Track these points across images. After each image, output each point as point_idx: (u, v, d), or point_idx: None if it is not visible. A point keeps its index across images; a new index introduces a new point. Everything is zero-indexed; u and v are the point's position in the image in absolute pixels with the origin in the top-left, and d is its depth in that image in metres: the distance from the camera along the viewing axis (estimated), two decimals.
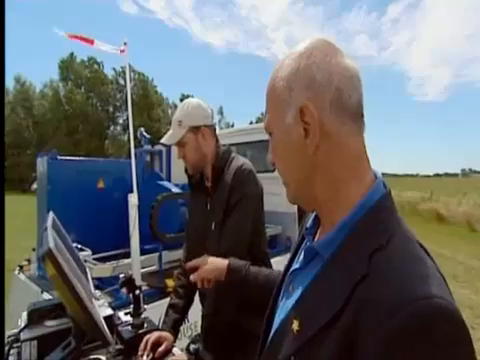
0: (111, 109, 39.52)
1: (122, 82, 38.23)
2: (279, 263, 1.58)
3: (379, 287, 0.37)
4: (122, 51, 2.51)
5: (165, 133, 1.31)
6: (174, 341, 1.22)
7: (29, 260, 2.72)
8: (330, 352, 0.39)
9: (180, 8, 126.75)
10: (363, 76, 0.48)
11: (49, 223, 0.97)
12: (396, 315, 0.34)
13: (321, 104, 0.45)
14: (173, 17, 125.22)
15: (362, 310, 0.37)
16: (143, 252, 2.30)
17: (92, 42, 2.49)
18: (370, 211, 0.45)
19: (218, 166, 1.28)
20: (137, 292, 1.25)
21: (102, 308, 1.21)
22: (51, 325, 1.10)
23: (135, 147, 2.59)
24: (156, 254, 2.41)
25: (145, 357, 1.09)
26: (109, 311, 1.23)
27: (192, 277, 0.98)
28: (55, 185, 2.50)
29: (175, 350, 1.18)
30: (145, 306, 1.29)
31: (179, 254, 1.63)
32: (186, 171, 1.36)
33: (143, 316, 1.26)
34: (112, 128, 40.14)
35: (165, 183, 2.88)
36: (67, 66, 35.80)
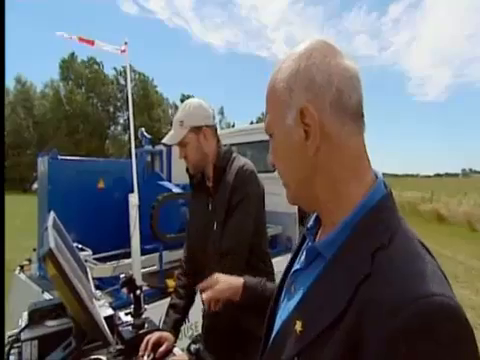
0: (111, 109, 39.58)
1: (123, 82, 38.33)
2: (279, 263, 1.58)
3: (381, 287, 0.38)
4: (123, 51, 2.51)
5: (166, 133, 1.31)
6: (175, 341, 1.22)
7: (30, 260, 2.72)
8: (334, 353, 0.39)
9: (180, 8, 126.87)
10: (363, 76, 0.49)
11: (50, 223, 0.97)
12: (398, 314, 0.34)
13: (321, 105, 0.46)
14: (173, 17, 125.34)
15: (365, 310, 0.37)
16: (144, 252, 2.31)
17: (92, 43, 2.49)
18: (371, 211, 0.45)
19: (219, 166, 1.28)
20: (138, 292, 1.25)
21: (103, 308, 1.21)
22: (52, 325, 1.10)
23: (136, 147, 2.59)
24: (157, 254, 2.41)
25: (146, 357, 1.09)
26: (110, 311, 1.23)
27: (204, 297, 0.88)
28: (56, 185, 2.50)
29: (176, 350, 1.18)
30: (146, 306, 1.29)
31: (180, 254, 1.63)
32: (187, 171, 1.37)
33: (144, 316, 1.26)
34: (112, 128, 40.25)
35: (166, 183, 2.88)
36: (68, 66, 35.86)
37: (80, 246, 2.17)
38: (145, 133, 3.19)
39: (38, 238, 2.75)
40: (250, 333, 0.99)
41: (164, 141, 1.31)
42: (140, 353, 1.11)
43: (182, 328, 1.35)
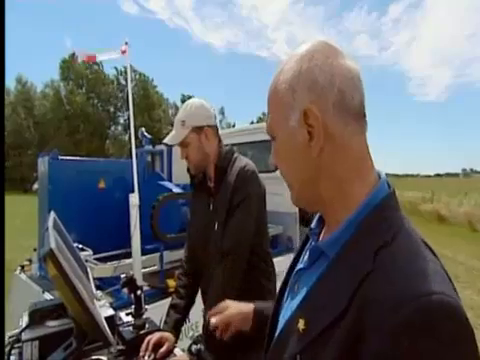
0: (112, 109, 39.61)
1: (123, 82, 38.37)
2: (280, 263, 1.58)
3: (383, 284, 0.38)
4: (123, 51, 2.51)
5: (166, 133, 1.31)
6: (175, 342, 1.22)
7: (30, 260, 2.72)
8: (336, 350, 0.39)
9: (180, 8, 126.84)
10: (364, 76, 0.49)
11: (50, 223, 0.97)
12: (399, 311, 0.35)
13: (324, 106, 0.46)
14: (173, 17, 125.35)
15: (366, 307, 0.38)
16: (144, 252, 2.30)
17: (94, 58, 2.50)
18: (375, 209, 0.45)
19: (221, 166, 1.28)
20: (138, 292, 1.24)
21: (103, 308, 1.21)
22: (52, 325, 1.10)
23: (136, 147, 2.59)
24: (157, 254, 2.41)
25: (146, 358, 1.09)
26: (110, 311, 1.23)
27: (213, 321, 0.84)
28: (56, 185, 2.50)
29: (177, 351, 1.18)
30: (146, 306, 1.29)
31: (180, 254, 1.63)
32: (189, 171, 1.37)
33: (144, 316, 1.26)
34: (113, 128, 40.28)
35: (166, 183, 2.88)
36: (68, 66, 35.85)
37: (81, 246, 2.17)
38: (145, 133, 3.20)
39: (38, 238, 2.75)
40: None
41: (166, 141, 1.30)
42: (141, 353, 1.10)
43: (183, 328, 1.34)
